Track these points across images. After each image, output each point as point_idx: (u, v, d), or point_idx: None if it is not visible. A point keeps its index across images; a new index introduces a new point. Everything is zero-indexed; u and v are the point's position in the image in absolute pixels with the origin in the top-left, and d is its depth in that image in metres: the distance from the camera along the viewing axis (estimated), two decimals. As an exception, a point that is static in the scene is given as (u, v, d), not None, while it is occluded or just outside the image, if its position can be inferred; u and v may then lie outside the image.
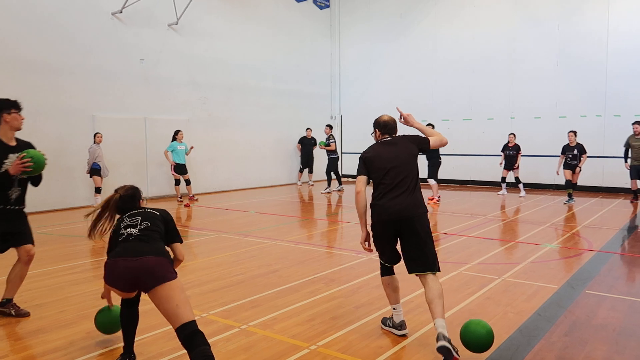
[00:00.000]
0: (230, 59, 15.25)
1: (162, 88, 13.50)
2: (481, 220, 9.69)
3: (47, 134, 10.99)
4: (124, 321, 3.59)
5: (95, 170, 11.11)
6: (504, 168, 13.56)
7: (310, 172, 16.95)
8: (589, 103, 14.13)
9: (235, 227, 9.29)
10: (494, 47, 15.57)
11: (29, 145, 4.66)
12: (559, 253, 7.00)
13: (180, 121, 13.67)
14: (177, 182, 12.80)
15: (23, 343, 4.03)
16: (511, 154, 13.33)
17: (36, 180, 4.71)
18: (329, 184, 15.13)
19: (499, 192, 13.77)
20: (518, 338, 4.01)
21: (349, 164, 18.94)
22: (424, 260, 3.83)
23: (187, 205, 12.15)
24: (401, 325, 4.06)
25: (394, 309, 4.11)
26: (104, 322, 4.01)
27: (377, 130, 4.26)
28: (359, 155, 4.16)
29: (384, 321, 4.24)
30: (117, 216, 3.76)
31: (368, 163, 4.03)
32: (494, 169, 14.50)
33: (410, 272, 3.91)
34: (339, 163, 17.24)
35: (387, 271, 4.12)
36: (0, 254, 4.67)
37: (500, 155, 13.68)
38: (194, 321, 3.13)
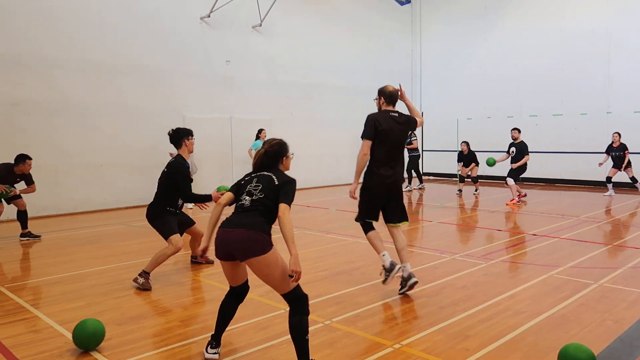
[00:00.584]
0: (310, 59, 15.46)
1: (245, 88, 13.96)
2: (574, 222, 9.14)
3: (142, 133, 11.73)
4: (222, 309, 3.70)
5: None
6: (612, 167, 12.66)
7: (390, 169, 16.78)
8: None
9: (316, 224, 9.42)
10: (586, 39, 14.59)
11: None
12: (663, 258, 6.45)
13: (263, 120, 14.06)
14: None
15: (124, 328, 4.33)
16: (618, 155, 12.44)
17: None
18: (409, 182, 14.93)
19: (605, 194, 12.82)
20: (618, 347, 3.75)
21: (430, 162, 18.59)
22: (401, 215, 5.15)
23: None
24: (391, 265, 4.99)
25: (383, 255, 5.07)
26: (80, 336, 3.80)
27: (382, 98, 5.07)
28: (369, 117, 4.97)
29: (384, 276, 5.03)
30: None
31: (382, 134, 4.91)
32: (587, 167, 13.63)
33: (388, 223, 5.18)
34: (420, 161, 16.94)
35: (369, 227, 5.20)
36: None
37: (603, 155, 12.81)
38: (289, 292, 3.40)
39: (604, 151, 12.92)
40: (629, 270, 5.87)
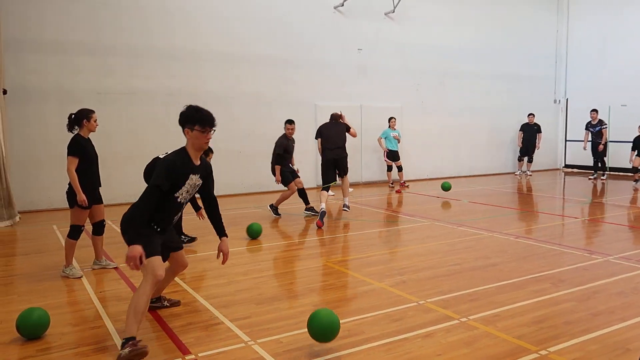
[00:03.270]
0: (444, 44, 14.87)
1: (376, 76, 13.86)
2: None
3: (278, 122, 12.16)
4: None
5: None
6: None
7: (530, 161, 15.67)
8: None
9: (447, 215, 9.09)
10: None
11: (208, 167, 4.00)
12: None
13: (394, 108, 13.87)
14: (389, 169, 13.06)
15: (262, 308, 4.52)
16: None
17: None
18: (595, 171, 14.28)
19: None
20: None
21: (573, 152, 16.98)
22: (344, 172, 8.83)
23: (398, 192, 12.32)
24: (322, 211, 8.17)
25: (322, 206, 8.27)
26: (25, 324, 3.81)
27: (330, 118, 9.26)
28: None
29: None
30: None
31: (324, 134, 9.00)
32: None
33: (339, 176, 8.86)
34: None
35: (326, 189, 8.63)
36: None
37: None
38: None
39: None
40: None
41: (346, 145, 8.91)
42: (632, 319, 4.10)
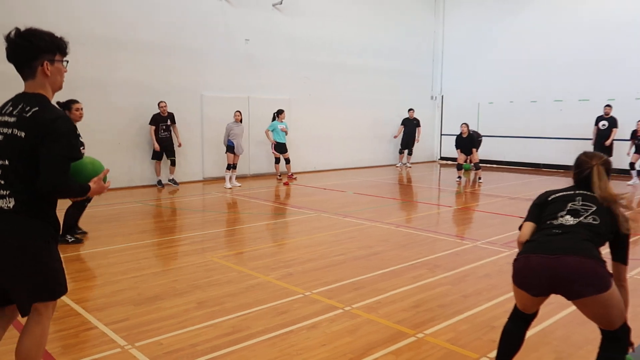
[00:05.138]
0: (332, 39, 15.17)
1: (264, 68, 13.76)
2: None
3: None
4: (507, 338, 2.96)
5: (229, 147, 11.62)
6: (635, 152, 12.32)
7: (410, 153, 16.57)
8: None
9: (333, 206, 9.30)
10: (616, 23, 14.05)
11: None
12: (696, 251, 6.21)
13: (282, 100, 13.88)
14: (277, 161, 13.07)
15: (141, 309, 4.27)
16: None
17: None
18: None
19: (628, 182, 12.40)
20: (653, 344, 3.57)
21: (448, 146, 18.26)
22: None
23: (286, 184, 12.38)
24: None
25: None
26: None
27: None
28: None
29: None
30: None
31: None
32: (615, 155, 13.25)
33: None
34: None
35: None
36: None
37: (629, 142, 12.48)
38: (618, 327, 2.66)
39: (630, 137, 12.57)
40: (660, 263, 5.65)
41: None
42: (496, 298, 4.47)
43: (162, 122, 11.28)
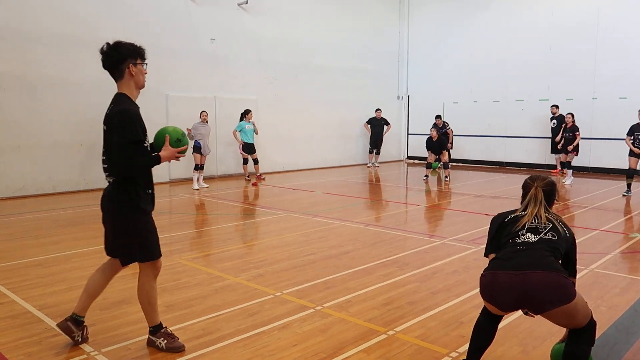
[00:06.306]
0: (298, 39, 15.17)
1: (231, 68, 13.65)
2: (559, 207, 9.16)
3: (124, 112, 11.39)
4: (479, 332, 3.01)
5: (196, 148, 11.44)
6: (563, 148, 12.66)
7: (378, 153, 16.71)
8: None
9: (302, 206, 9.29)
10: (576, 21, 14.52)
11: None
12: (651, 244, 6.48)
13: (249, 100, 13.79)
14: (245, 161, 12.97)
15: (107, 313, 4.17)
16: (568, 137, 12.43)
17: None
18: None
19: (563, 181, 12.56)
20: (614, 335, 3.71)
21: (414, 145, 18.50)
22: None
23: (254, 184, 12.31)
24: None
25: None
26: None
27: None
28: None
29: None
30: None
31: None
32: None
33: None
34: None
35: None
36: None
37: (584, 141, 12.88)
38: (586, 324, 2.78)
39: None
40: (618, 256, 5.87)
41: None
42: (464, 294, 4.55)
43: None
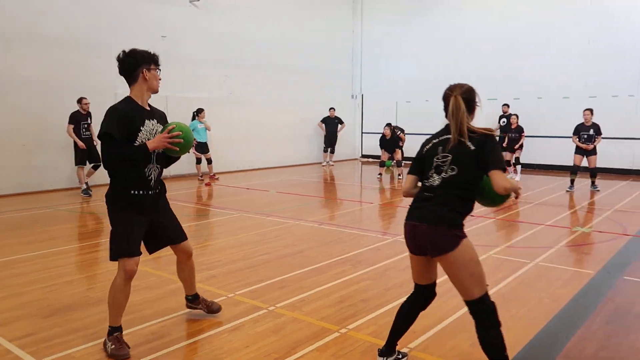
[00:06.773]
0: (251, 37, 15.02)
1: (183, 66, 13.36)
2: (508, 203, 9.46)
3: (73, 109, 10.95)
4: (401, 314, 3.20)
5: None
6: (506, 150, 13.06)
7: (332, 152, 16.78)
8: (621, 82, 13.64)
9: (257, 206, 9.21)
10: (523, 25, 15.03)
11: (164, 116, 3.86)
12: (592, 237, 6.78)
13: (201, 99, 13.56)
14: (199, 161, 12.75)
15: (50, 321, 4.00)
16: (513, 137, 12.86)
17: (172, 160, 3.79)
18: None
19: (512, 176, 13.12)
20: (557, 325, 3.85)
21: (368, 144, 18.68)
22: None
23: (208, 184, 12.12)
24: None
25: None
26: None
27: None
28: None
29: None
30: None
31: None
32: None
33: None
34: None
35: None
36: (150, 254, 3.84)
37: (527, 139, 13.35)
38: (475, 300, 2.85)
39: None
40: (562, 249, 6.11)
41: None
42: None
43: (84, 121, 10.44)
